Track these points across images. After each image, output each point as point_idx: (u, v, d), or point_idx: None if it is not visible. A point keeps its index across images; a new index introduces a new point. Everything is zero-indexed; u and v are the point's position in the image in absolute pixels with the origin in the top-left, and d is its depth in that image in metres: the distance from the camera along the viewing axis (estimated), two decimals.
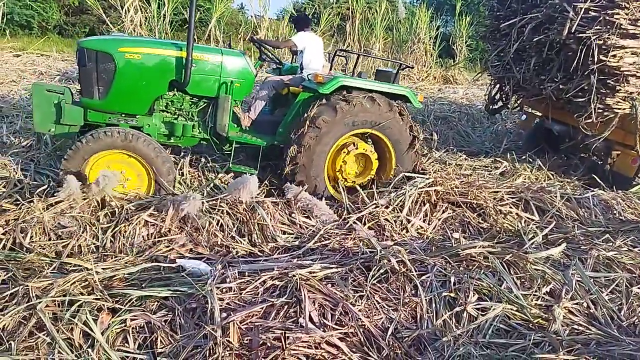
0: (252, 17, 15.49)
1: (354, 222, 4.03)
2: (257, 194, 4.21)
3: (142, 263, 3.10)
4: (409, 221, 4.24)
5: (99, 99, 4.12)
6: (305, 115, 4.45)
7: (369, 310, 2.82)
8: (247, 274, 2.97)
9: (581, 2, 5.02)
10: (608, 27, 4.99)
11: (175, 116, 4.51)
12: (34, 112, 4.09)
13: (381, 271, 3.12)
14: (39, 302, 2.55)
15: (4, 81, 8.60)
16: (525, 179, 5.89)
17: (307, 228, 3.97)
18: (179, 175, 4.77)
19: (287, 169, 4.47)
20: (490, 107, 7.62)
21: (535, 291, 3.16)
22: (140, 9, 12.82)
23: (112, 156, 4.00)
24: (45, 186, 3.93)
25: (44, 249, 3.29)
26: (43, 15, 15.11)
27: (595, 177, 5.91)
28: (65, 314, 2.53)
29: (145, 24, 12.93)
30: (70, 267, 3.08)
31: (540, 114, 7.05)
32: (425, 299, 2.93)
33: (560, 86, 5.67)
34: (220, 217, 3.74)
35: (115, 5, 12.79)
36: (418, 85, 13.85)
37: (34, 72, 9.79)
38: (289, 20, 15.37)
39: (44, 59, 11.40)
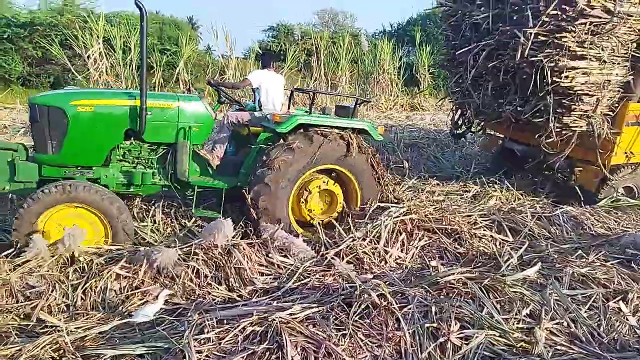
0: (219, 57, 15.65)
1: (332, 258, 4.01)
2: (233, 236, 4.15)
3: (114, 319, 2.99)
4: (386, 252, 4.25)
5: (52, 154, 4.07)
6: (255, 175, 4.45)
7: (352, 349, 2.77)
8: (225, 321, 2.90)
9: (530, 27, 5.26)
10: (558, 49, 5.22)
11: (134, 165, 4.46)
12: None
13: (362, 307, 3.09)
14: None
15: None
16: (496, 201, 6.01)
17: (285, 267, 3.92)
18: (151, 223, 4.69)
19: (255, 232, 4.45)
20: (455, 132, 7.82)
21: (516, 314, 3.18)
22: (106, 56, 12.84)
23: (59, 212, 3.87)
24: (13, 248, 3.78)
25: (11, 312, 3.15)
26: (5, 67, 14.90)
27: (563, 193, 6.07)
28: None
29: (111, 70, 12.94)
30: (40, 329, 2.95)
31: (502, 136, 7.26)
32: (409, 332, 2.91)
33: (518, 108, 5.86)
34: (196, 263, 3.66)
35: (81, 53, 12.80)
36: (386, 114, 14.15)
37: None
38: (255, 59, 15.64)
39: (8, 112, 11.21)
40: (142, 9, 3.88)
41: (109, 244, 3.94)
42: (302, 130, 4.54)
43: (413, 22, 24.38)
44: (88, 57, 12.58)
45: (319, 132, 4.55)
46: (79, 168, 4.21)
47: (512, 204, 5.78)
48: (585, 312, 3.31)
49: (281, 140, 4.51)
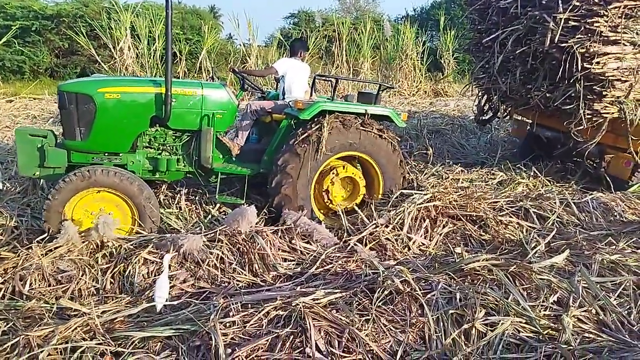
0: (240, 45, 15.66)
1: (355, 244, 4.01)
2: (257, 223, 4.19)
3: (142, 303, 3.07)
4: (410, 239, 4.22)
5: (81, 140, 4.17)
6: (276, 165, 4.46)
7: (376, 334, 2.78)
8: (250, 305, 2.94)
9: (560, 12, 5.07)
10: (589, 35, 5.03)
11: (159, 151, 4.54)
12: (18, 156, 4.14)
13: (386, 292, 3.09)
14: (41, 352, 2.51)
15: None
16: (523, 188, 5.89)
17: (308, 253, 3.94)
18: (177, 209, 4.76)
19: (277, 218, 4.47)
20: (480, 118, 7.65)
21: (543, 301, 3.13)
22: (133, 47, 13.01)
23: (84, 199, 3.97)
24: (45, 233, 3.89)
25: (43, 295, 3.26)
26: (34, 59, 15.27)
27: (593, 180, 5.91)
28: None
29: (136, 60, 13.10)
30: (71, 312, 3.04)
31: (530, 121, 7.08)
32: (433, 318, 2.90)
33: (547, 94, 5.69)
34: (220, 250, 3.71)
35: (107, 43, 13.00)
36: (409, 101, 13.96)
37: (27, 116, 9.84)
38: (277, 46, 15.59)
39: (37, 102, 11.46)
40: None
41: (137, 225, 4.02)
42: (321, 118, 4.53)
43: (437, 5, 23.85)
44: (120, 47, 12.73)
45: (337, 119, 4.52)
46: (107, 154, 4.30)
47: (539, 191, 5.65)
48: (615, 299, 3.24)
49: (300, 129, 4.50)
